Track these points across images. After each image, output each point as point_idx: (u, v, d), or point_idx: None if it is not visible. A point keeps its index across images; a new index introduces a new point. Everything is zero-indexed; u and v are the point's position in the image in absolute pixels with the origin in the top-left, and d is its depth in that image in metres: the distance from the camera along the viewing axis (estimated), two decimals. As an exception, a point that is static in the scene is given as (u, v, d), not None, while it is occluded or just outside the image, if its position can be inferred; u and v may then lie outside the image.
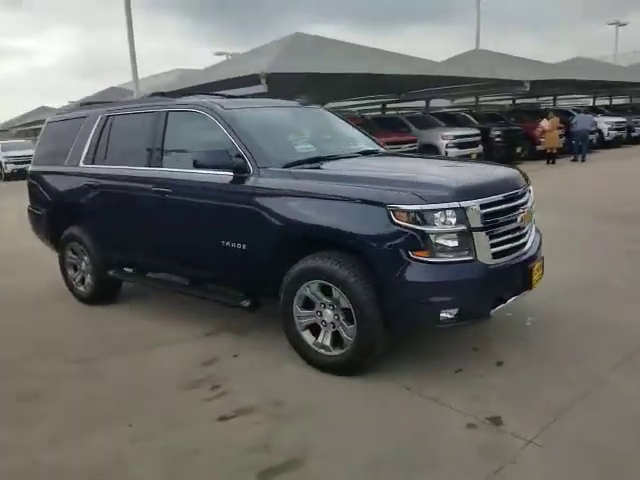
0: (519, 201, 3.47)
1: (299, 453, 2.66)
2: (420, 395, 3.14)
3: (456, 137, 14.57)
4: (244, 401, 3.18)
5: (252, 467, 2.57)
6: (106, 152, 4.75)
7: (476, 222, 3.09)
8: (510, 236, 3.35)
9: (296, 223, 3.42)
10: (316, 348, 3.47)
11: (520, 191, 3.50)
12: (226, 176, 3.76)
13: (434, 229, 3.00)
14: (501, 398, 3.06)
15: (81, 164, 4.91)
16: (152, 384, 3.50)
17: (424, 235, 2.99)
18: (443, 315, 3.06)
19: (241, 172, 3.69)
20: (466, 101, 28.24)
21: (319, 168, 3.69)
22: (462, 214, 3.04)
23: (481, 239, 3.12)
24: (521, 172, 3.78)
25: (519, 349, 3.67)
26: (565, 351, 3.62)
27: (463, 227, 3.04)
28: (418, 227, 2.99)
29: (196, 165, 3.73)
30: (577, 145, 16.85)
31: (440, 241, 3.02)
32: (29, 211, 5.73)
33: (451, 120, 17.14)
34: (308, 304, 3.47)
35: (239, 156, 3.70)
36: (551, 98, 27.32)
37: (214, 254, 3.92)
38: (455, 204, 3.03)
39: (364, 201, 3.15)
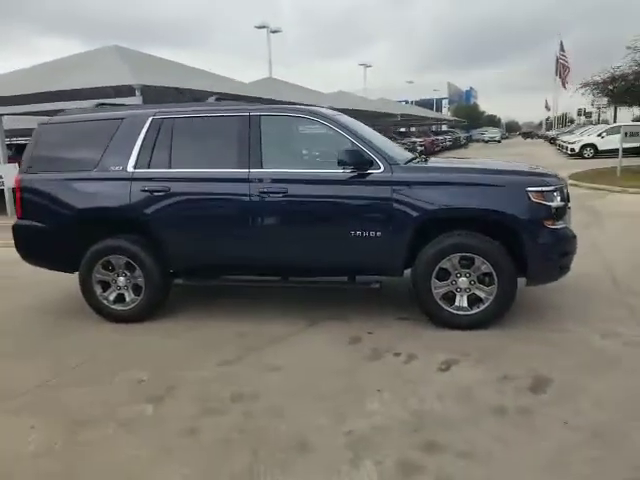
0: None
1: (536, 373, 3.49)
2: (555, 331, 4.22)
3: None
4: (438, 356, 3.81)
5: (519, 388, 3.32)
6: (170, 155, 4.56)
7: (566, 199, 4.35)
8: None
9: (437, 207, 4.17)
10: (453, 311, 4.26)
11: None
12: (345, 173, 4.27)
13: (554, 204, 4.16)
14: (600, 320, 4.37)
15: (130, 168, 4.57)
16: (333, 363, 3.81)
17: (550, 209, 4.14)
18: (560, 269, 4.24)
19: (365, 169, 4.25)
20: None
21: (432, 164, 4.56)
22: (563, 194, 4.28)
23: (568, 212, 4.40)
24: None
25: (565, 296, 4.98)
26: (592, 291, 5.11)
27: (564, 203, 4.28)
28: (547, 203, 4.12)
29: (340, 163, 4.15)
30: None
31: (556, 213, 4.19)
32: (20, 228, 4.89)
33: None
34: (443, 276, 4.25)
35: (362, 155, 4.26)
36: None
37: (340, 244, 4.33)
38: (560, 186, 4.27)
39: (507, 186, 4.15)
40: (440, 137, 37.85)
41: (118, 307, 4.74)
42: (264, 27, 25.60)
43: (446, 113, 68.02)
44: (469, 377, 3.51)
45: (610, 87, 15.22)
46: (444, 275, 4.25)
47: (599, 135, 23.88)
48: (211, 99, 5.00)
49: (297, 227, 4.41)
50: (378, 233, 4.25)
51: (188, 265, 4.68)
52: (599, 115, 65.02)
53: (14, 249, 4.99)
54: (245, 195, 4.39)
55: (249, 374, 3.69)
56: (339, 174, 4.29)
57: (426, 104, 57.67)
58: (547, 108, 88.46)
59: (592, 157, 23.45)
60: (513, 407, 3.11)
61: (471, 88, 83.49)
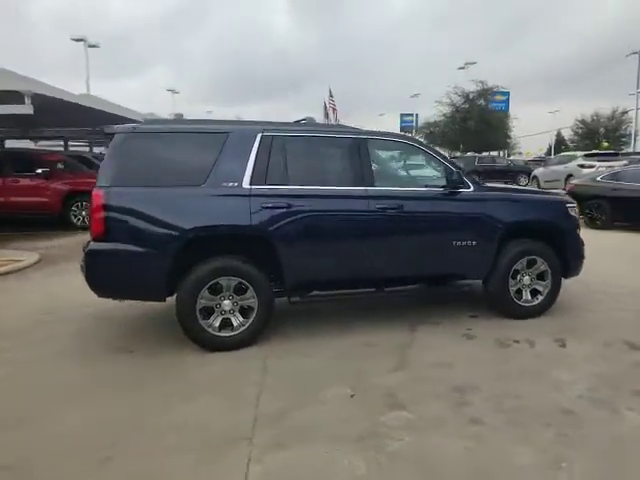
0: None
1: (621, 338, 4.70)
2: (587, 311, 5.56)
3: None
4: (546, 338, 4.76)
5: (623, 349, 4.49)
6: (286, 172, 4.55)
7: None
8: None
9: (516, 219, 5.16)
10: (522, 303, 5.29)
11: None
12: (440, 190, 5.00)
13: (577, 216, 5.56)
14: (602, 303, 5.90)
15: (246, 185, 4.41)
16: (479, 354, 4.44)
17: (577, 220, 5.52)
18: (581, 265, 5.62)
19: (459, 188, 5.02)
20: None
21: (500, 186, 5.60)
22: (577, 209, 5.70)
23: (578, 224, 5.85)
24: None
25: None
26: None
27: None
28: (575, 214, 5.49)
29: (446, 183, 4.91)
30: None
31: (578, 223, 5.58)
32: (100, 254, 4.19)
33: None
34: (514, 275, 5.24)
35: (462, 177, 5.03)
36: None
37: (444, 253, 4.97)
38: (575, 203, 5.69)
39: (556, 203, 5.38)
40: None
41: (225, 334, 4.43)
42: (81, 40, 23.21)
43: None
44: (585, 348, 4.55)
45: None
46: (515, 275, 5.24)
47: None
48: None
49: (410, 239, 4.88)
50: (474, 242, 5.02)
51: (301, 281, 4.67)
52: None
53: None
54: (364, 211, 4.68)
55: (432, 372, 4.05)
56: (438, 192, 4.96)
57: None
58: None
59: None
60: (643, 360, 4.26)
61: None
